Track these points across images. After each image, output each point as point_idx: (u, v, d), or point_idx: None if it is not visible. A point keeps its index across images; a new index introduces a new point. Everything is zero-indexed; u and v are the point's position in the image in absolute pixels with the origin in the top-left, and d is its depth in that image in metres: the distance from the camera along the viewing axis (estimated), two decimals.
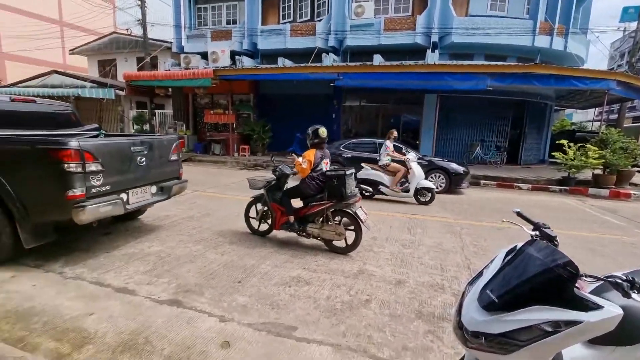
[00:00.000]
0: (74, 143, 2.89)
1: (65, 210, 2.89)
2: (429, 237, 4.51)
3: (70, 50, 18.68)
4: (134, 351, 2.07)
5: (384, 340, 2.29)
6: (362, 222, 3.64)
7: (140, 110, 14.70)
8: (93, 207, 2.99)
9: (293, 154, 3.87)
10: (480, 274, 1.46)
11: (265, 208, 4.14)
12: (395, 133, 6.90)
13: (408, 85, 10.39)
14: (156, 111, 14.73)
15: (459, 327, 1.32)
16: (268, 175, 4.41)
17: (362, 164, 6.98)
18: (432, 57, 10.89)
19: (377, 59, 11.10)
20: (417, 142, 12.34)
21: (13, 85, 14.73)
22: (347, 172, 3.64)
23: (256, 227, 4.27)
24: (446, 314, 2.65)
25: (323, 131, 3.79)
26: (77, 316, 2.39)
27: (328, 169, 3.84)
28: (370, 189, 6.78)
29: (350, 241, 3.74)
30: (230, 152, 12.77)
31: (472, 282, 1.45)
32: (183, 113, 14.38)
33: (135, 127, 13.99)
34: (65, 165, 2.83)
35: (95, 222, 3.23)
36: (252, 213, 4.29)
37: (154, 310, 2.52)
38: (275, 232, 4.21)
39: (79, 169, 2.90)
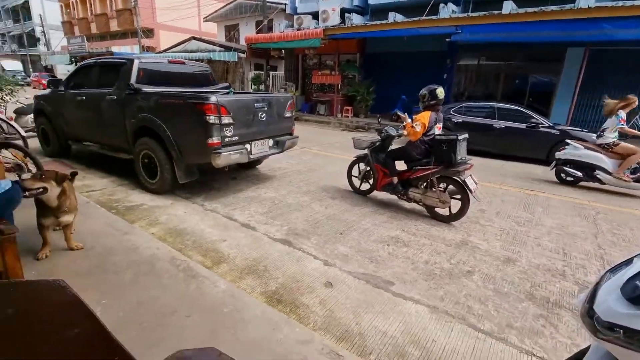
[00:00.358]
0: (213, 98, 3.41)
1: (207, 155, 3.50)
2: (550, 218, 3.93)
3: (204, 18, 21.25)
4: (255, 275, 2.50)
5: (485, 313, 2.21)
6: (470, 192, 3.40)
7: (257, 72, 16.10)
8: (226, 154, 3.55)
9: (405, 115, 3.74)
10: (628, 262, 1.25)
11: (368, 168, 4.21)
12: (636, 100, 4.77)
13: (546, 37, 8.55)
14: (270, 72, 15.90)
15: (589, 315, 1.19)
16: (370, 136, 4.42)
17: (568, 140, 5.42)
18: None
19: (508, 6, 9.36)
20: (547, 108, 10.35)
21: (164, 51, 17.78)
22: (460, 137, 3.37)
23: (357, 186, 4.42)
24: (565, 302, 2.36)
25: (441, 92, 3.53)
26: (215, 240, 2.99)
27: (439, 133, 3.62)
28: (579, 174, 5.14)
29: (454, 210, 3.56)
30: (333, 112, 13.07)
31: (614, 270, 1.26)
32: (293, 74, 15.14)
33: (253, 87, 15.47)
34: (207, 117, 3.39)
35: (226, 167, 3.84)
36: (355, 172, 4.43)
37: (270, 245, 2.95)
38: (375, 193, 4.29)
39: (217, 121, 3.43)
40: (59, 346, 0.40)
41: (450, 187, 3.58)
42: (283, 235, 3.16)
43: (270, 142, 4.31)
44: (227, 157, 3.57)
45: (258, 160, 5.06)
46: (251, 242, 2.99)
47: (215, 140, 3.46)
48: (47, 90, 5.12)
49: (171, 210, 3.59)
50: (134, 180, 4.29)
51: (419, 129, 3.49)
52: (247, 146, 3.88)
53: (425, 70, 11.64)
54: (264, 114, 4.04)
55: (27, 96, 7.23)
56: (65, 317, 0.46)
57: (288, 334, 1.75)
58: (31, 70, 31.21)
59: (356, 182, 4.43)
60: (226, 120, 3.52)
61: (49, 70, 28.73)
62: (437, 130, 3.61)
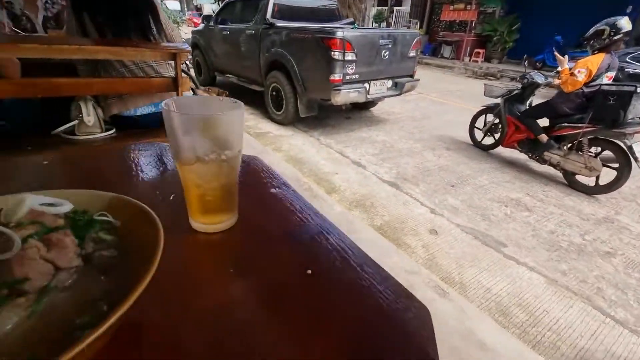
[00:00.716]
0: (339, 33, 3.40)
1: (327, 91, 3.63)
2: None
3: None
4: (362, 208, 2.66)
5: (620, 301, 1.90)
6: (636, 161, 2.70)
7: (379, 8, 15.02)
8: (345, 91, 3.62)
9: (565, 58, 3.03)
10: None
11: (496, 120, 3.72)
12: None
13: None
14: (394, 8, 14.63)
15: None
16: (504, 85, 3.82)
17: None
18: None
19: None
20: None
21: None
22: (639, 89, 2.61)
23: (479, 139, 3.99)
24: None
25: (627, 22, 2.71)
26: (328, 172, 3.23)
27: (608, 83, 2.88)
28: None
29: (603, 181, 2.94)
30: (460, 56, 11.53)
31: None
32: (419, 10, 13.61)
33: (374, 25, 14.64)
34: (332, 52, 3.43)
35: (343, 106, 3.94)
36: (479, 123, 3.98)
37: (378, 185, 3.04)
38: (500, 149, 3.83)
39: (340, 57, 3.46)
40: (263, 197, 0.53)
41: (606, 152, 2.92)
42: (392, 177, 3.19)
43: (389, 83, 4.16)
44: (345, 95, 3.63)
45: (373, 102, 5.00)
46: (360, 179, 3.13)
47: (336, 76, 3.53)
48: (201, 26, 5.91)
49: (292, 140, 3.97)
50: (263, 110, 4.82)
51: (581, 77, 2.81)
52: (366, 85, 3.85)
53: (594, 4, 8.94)
54: (387, 52, 3.85)
55: (185, 32, 8.53)
56: (264, 178, 0.60)
57: (397, 262, 1.88)
58: (186, 9, 36.04)
59: (478, 134, 4.00)
60: (349, 56, 3.51)
61: (199, 9, 32.66)
62: (606, 80, 2.87)
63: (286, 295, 0.33)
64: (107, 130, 1.38)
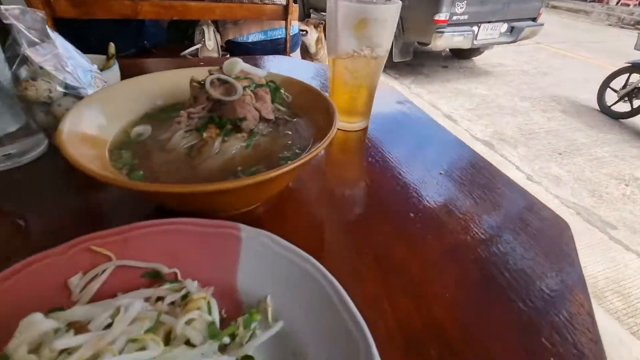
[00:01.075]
0: None
1: (428, 33, 3.30)
2: None
3: None
4: None
5: None
6: None
7: None
8: (448, 34, 3.24)
9: None
10: None
11: None
12: None
13: None
14: None
15: None
16: None
17: None
18: None
19: None
20: None
21: None
22: None
23: (609, 104, 3.30)
24: None
25: None
26: None
27: None
28: None
29: None
30: None
31: None
32: None
33: None
34: None
35: (443, 51, 3.57)
36: (616, 85, 3.25)
37: (469, 142, 2.79)
38: (636, 119, 3.15)
39: None
40: (391, 109, 0.56)
41: None
42: (486, 136, 2.91)
43: (504, 27, 3.58)
44: (448, 39, 3.27)
45: (478, 49, 4.39)
46: None
47: (442, 16, 3.17)
48: None
49: None
50: None
51: None
52: (474, 29, 3.38)
53: None
54: None
55: None
56: (390, 93, 0.62)
57: None
58: None
59: (611, 98, 3.30)
60: None
61: None
62: None
63: (422, 188, 0.36)
64: (222, 55, 1.51)
